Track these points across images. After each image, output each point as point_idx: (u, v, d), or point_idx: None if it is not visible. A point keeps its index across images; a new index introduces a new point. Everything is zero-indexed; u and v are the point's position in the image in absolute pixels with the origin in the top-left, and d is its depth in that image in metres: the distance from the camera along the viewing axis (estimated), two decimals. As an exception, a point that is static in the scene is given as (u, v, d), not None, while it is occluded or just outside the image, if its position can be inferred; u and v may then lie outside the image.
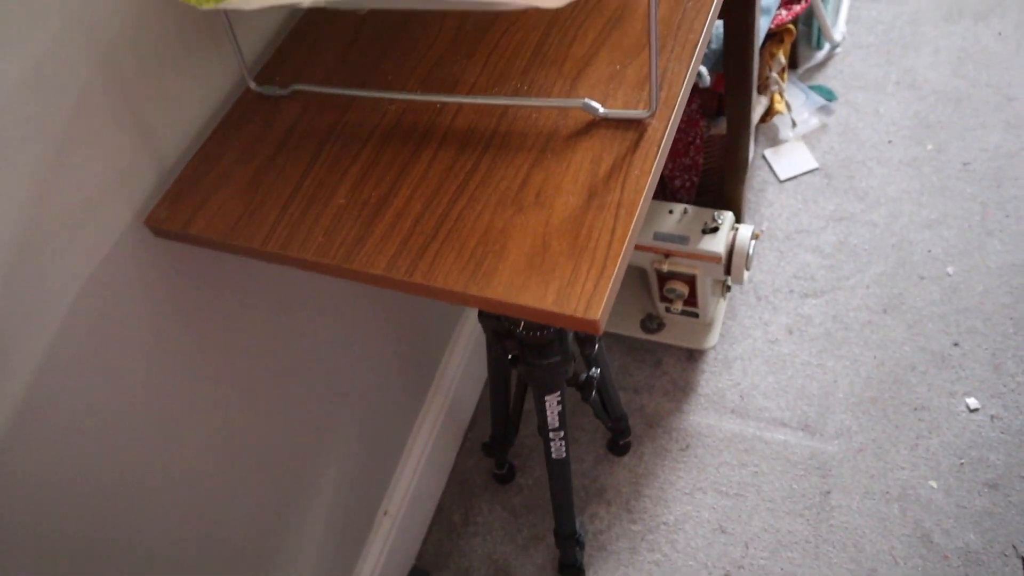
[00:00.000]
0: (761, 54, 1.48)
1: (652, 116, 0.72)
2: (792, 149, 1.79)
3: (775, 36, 1.49)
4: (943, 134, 1.75)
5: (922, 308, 1.55)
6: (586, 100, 0.73)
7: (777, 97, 1.52)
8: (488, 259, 0.66)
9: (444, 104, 0.80)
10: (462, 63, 0.83)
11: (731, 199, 1.48)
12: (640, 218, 0.67)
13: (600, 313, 0.61)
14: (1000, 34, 1.87)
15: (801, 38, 1.95)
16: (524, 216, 0.68)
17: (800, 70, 1.91)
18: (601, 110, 0.73)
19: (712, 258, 1.37)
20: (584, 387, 1.15)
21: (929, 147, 1.74)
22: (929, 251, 1.61)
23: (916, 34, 1.92)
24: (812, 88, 1.86)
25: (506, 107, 0.77)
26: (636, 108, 0.74)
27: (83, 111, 0.70)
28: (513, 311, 0.64)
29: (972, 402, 1.44)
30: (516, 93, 0.78)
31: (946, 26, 1.92)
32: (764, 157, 1.79)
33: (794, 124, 1.80)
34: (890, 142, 1.76)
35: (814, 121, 1.82)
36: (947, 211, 1.65)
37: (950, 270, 1.58)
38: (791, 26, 1.48)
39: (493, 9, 0.78)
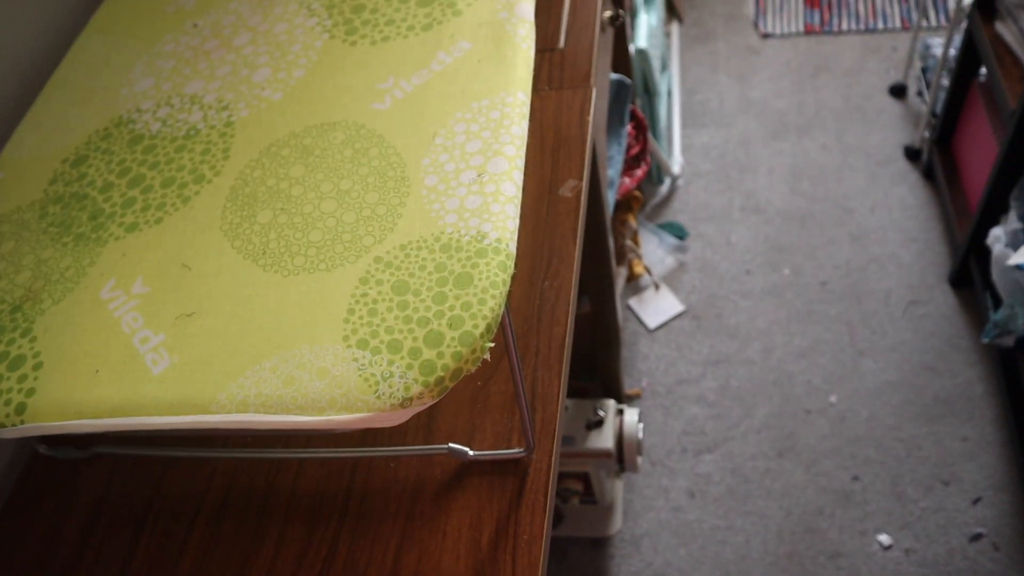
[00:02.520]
0: (612, 226, 1.44)
1: (531, 452, 0.62)
2: (656, 295, 1.76)
3: (623, 204, 1.45)
4: (796, 256, 1.76)
5: (815, 445, 1.52)
6: (451, 445, 0.62)
7: (636, 262, 1.48)
8: None
9: (282, 460, 0.67)
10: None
11: (607, 376, 1.41)
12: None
13: None
14: (824, 146, 1.93)
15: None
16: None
17: (647, 208, 1.90)
18: (470, 453, 0.62)
19: (602, 454, 1.28)
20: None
21: (786, 272, 1.75)
22: (809, 381, 1.60)
23: (749, 155, 1.96)
24: (663, 228, 1.84)
25: (357, 459, 0.65)
26: (510, 444, 0.64)
27: None
28: None
29: (884, 539, 1.41)
30: (366, 441, 0.66)
31: (775, 144, 1.97)
32: (630, 307, 1.75)
33: (649, 273, 1.77)
34: (748, 272, 1.76)
35: (671, 261, 1.80)
36: (817, 336, 1.65)
37: (833, 399, 1.57)
38: (637, 192, 1.45)
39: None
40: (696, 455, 1.54)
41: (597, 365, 1.43)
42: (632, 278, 1.50)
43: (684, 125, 2.05)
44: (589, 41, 0.94)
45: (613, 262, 1.32)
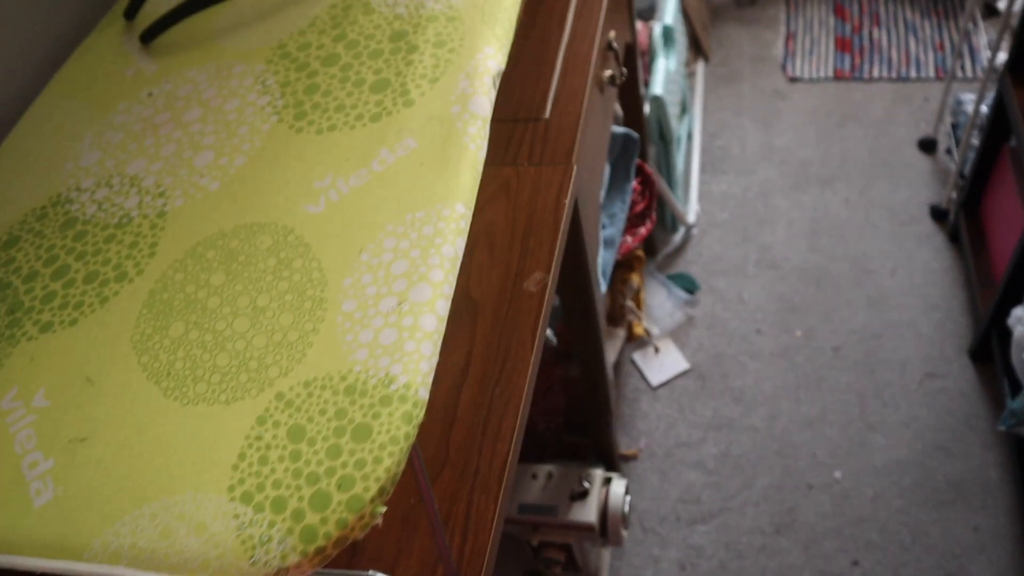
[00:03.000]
0: (612, 286, 1.38)
1: (455, 592, 0.58)
2: (661, 350, 1.70)
3: (624, 263, 1.40)
4: (810, 317, 1.69)
5: (815, 523, 1.45)
6: (372, 572, 0.58)
7: (636, 324, 1.42)
8: None
9: None
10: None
11: (599, 443, 1.36)
12: None
13: None
14: (847, 200, 1.86)
15: (657, 224, 1.89)
16: None
17: (659, 257, 1.84)
18: (392, 588, 0.58)
19: (584, 527, 1.23)
20: None
21: (798, 333, 1.68)
22: (814, 454, 1.52)
23: (768, 207, 1.89)
24: (673, 279, 1.79)
25: (274, 581, 0.61)
26: (435, 574, 0.59)
27: None
28: None
29: (882, 630, 1.33)
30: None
31: (795, 196, 1.90)
32: (633, 362, 1.69)
33: (648, 335, 1.71)
34: (759, 331, 1.70)
35: (679, 315, 1.74)
36: (825, 406, 1.58)
37: (838, 475, 1.49)
38: (640, 251, 1.39)
39: None
40: (690, 525, 1.48)
41: (589, 428, 1.38)
42: (632, 339, 1.45)
43: (703, 171, 1.99)
44: (576, 113, 0.90)
45: (602, 326, 1.27)
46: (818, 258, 1.78)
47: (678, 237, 1.87)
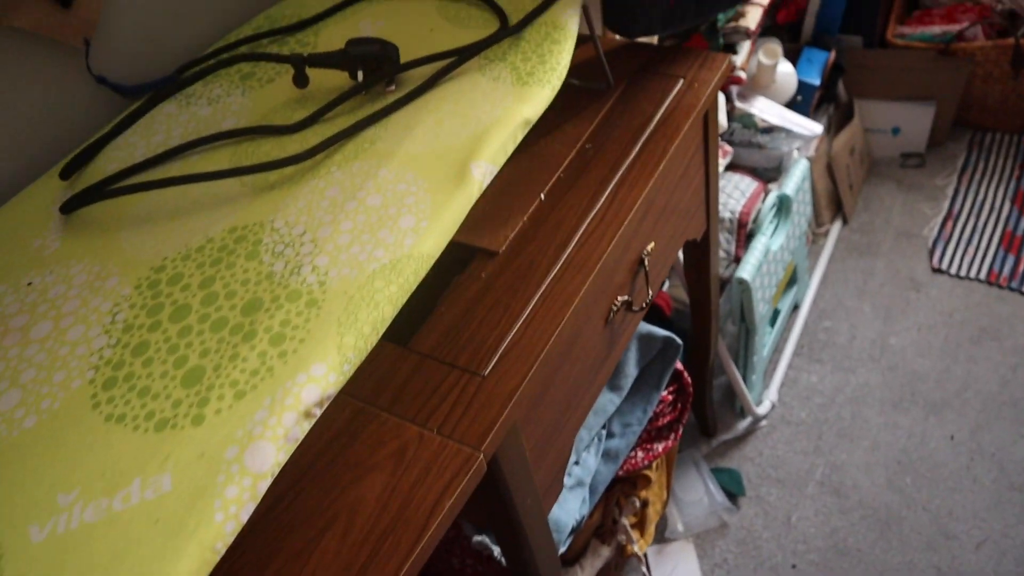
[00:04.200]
0: (607, 499, 1.22)
1: None
2: (678, 552, 1.50)
3: (626, 480, 1.23)
4: (857, 571, 1.44)
5: None
6: None
7: (629, 547, 1.25)
8: None
9: None
10: None
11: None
12: None
13: None
14: (952, 438, 1.57)
15: (724, 399, 1.68)
16: None
17: (713, 443, 1.64)
18: None
19: None
20: None
21: (839, 586, 1.43)
22: None
23: (856, 418, 1.64)
24: (718, 474, 1.58)
25: None
26: None
27: None
28: None
29: None
30: None
31: (893, 414, 1.63)
32: (644, 555, 1.51)
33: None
34: (795, 567, 1.46)
35: (712, 519, 1.53)
36: None
37: None
38: (648, 471, 1.22)
39: None
40: None
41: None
42: (624, 555, 1.27)
43: (796, 353, 1.75)
44: (519, 379, 0.75)
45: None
46: (894, 499, 1.51)
47: (742, 425, 1.65)
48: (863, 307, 1.81)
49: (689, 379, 1.23)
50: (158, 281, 0.62)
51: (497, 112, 0.71)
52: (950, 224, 1.91)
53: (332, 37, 0.86)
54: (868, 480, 1.55)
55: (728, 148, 1.52)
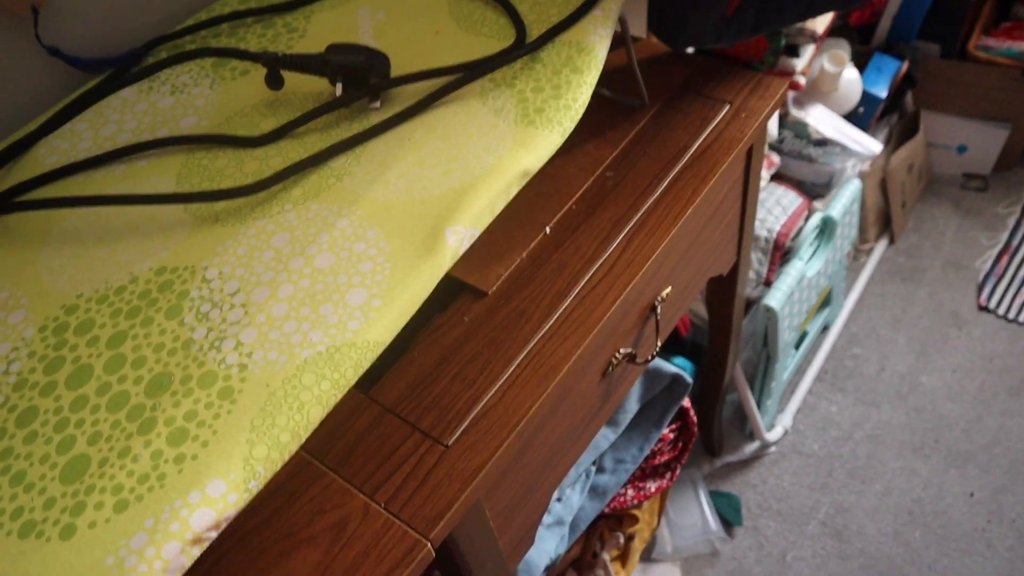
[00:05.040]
0: (589, 533, 1.14)
1: None
2: (664, 575, 1.44)
3: (612, 516, 1.15)
4: (849, 625, 1.37)
5: None
6: None
7: (605, 580, 1.18)
8: None
9: None
10: None
11: None
12: None
13: None
14: (972, 496, 1.48)
15: (735, 416, 1.59)
16: None
17: (717, 463, 1.56)
18: None
19: None
20: None
21: (826, 638, 1.36)
22: None
23: (872, 458, 1.54)
24: (716, 497, 1.50)
25: None
26: None
27: None
28: None
29: None
30: None
31: (912, 460, 1.53)
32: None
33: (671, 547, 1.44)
34: (782, 611, 1.39)
35: (702, 544, 1.46)
36: None
37: None
38: (636, 510, 1.14)
39: None
40: None
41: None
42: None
43: (818, 378, 1.65)
44: (484, 457, 0.67)
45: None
46: (899, 552, 1.43)
47: (749, 449, 1.57)
48: (898, 338, 1.69)
49: (695, 418, 1.14)
50: (66, 326, 0.53)
51: (490, 160, 0.60)
52: (1005, 259, 1.76)
53: (324, 26, 0.75)
54: (874, 527, 1.46)
55: (775, 159, 1.39)
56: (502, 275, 0.77)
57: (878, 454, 1.54)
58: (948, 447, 1.54)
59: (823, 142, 1.44)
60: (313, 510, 0.65)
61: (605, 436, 1.06)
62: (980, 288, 1.73)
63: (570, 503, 1.04)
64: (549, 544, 1.02)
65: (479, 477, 0.66)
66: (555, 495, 1.03)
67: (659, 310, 0.86)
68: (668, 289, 0.88)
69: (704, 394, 1.41)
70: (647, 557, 1.46)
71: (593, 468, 1.07)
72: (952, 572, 1.39)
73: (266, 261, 0.56)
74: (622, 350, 0.83)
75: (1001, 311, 1.69)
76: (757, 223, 1.37)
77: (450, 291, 0.79)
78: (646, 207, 0.81)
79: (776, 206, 1.40)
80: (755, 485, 1.53)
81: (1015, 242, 1.79)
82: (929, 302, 1.74)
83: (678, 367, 1.28)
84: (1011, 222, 1.83)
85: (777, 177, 1.48)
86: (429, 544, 0.63)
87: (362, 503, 0.65)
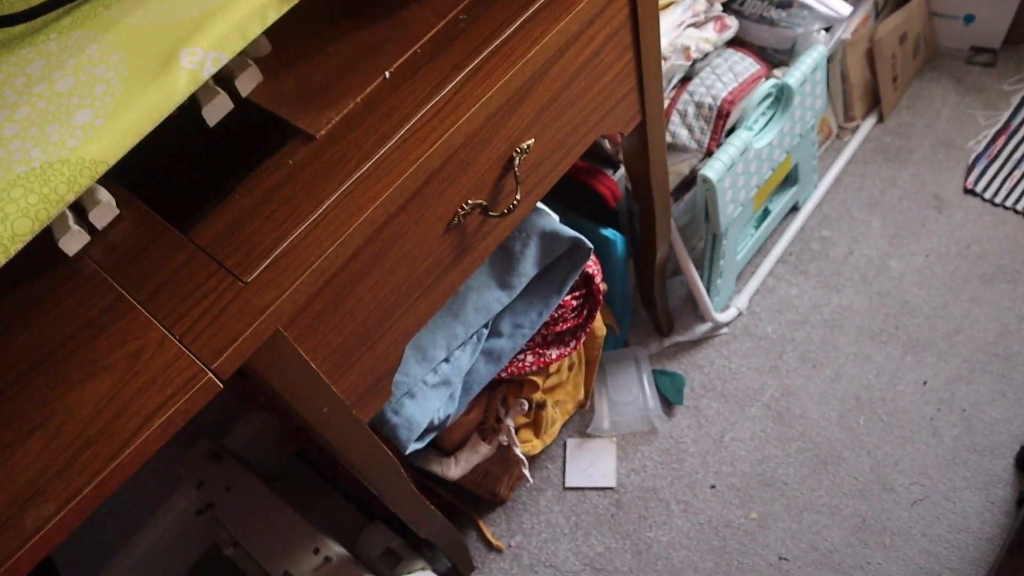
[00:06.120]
0: (490, 398, 1.14)
1: None
2: (598, 450, 1.44)
3: (514, 382, 1.14)
4: (777, 505, 1.36)
5: None
6: None
7: (512, 449, 1.18)
8: None
9: None
10: None
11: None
12: None
13: None
14: (925, 384, 1.43)
15: (689, 297, 1.55)
16: None
17: (666, 342, 1.53)
18: None
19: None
20: None
21: (752, 516, 1.36)
22: (678, 662, 1.27)
23: (826, 343, 1.49)
24: (660, 376, 1.48)
25: None
26: None
27: None
28: None
29: None
30: None
31: (868, 346, 1.48)
32: (565, 444, 1.46)
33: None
34: (713, 487, 1.39)
35: (640, 422, 1.45)
36: (728, 616, 1.29)
37: None
38: (535, 376, 1.13)
39: None
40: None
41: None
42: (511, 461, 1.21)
43: (781, 260, 1.59)
44: (283, 288, 0.66)
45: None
46: (840, 437, 1.40)
47: (700, 330, 1.53)
48: (872, 220, 1.61)
49: (602, 286, 1.11)
50: None
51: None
52: (1002, 139, 1.64)
53: None
54: (818, 412, 1.43)
55: (729, 22, 1.30)
56: (333, 119, 0.74)
57: (833, 339, 1.50)
58: (908, 334, 1.48)
59: (787, 3, 1.34)
60: (116, 341, 0.66)
61: (498, 300, 1.04)
62: (969, 170, 1.62)
63: (459, 364, 1.03)
64: (434, 403, 1.02)
65: (268, 312, 0.66)
66: (442, 355, 1.02)
67: (518, 162, 0.83)
68: (530, 141, 0.83)
69: (639, 268, 1.38)
70: (584, 433, 1.47)
71: (485, 331, 1.05)
72: (891, 458, 1.37)
73: (17, 87, 0.55)
74: (470, 200, 0.80)
75: (988, 195, 1.59)
76: (703, 89, 1.29)
77: (284, 136, 0.77)
78: (489, 50, 0.76)
79: (728, 72, 1.31)
80: (702, 366, 1.51)
81: (1015, 122, 1.66)
82: (911, 184, 1.64)
83: (606, 237, 1.25)
84: (1014, 100, 1.69)
85: (737, 43, 1.39)
86: (211, 373, 0.64)
87: (160, 335, 0.65)
